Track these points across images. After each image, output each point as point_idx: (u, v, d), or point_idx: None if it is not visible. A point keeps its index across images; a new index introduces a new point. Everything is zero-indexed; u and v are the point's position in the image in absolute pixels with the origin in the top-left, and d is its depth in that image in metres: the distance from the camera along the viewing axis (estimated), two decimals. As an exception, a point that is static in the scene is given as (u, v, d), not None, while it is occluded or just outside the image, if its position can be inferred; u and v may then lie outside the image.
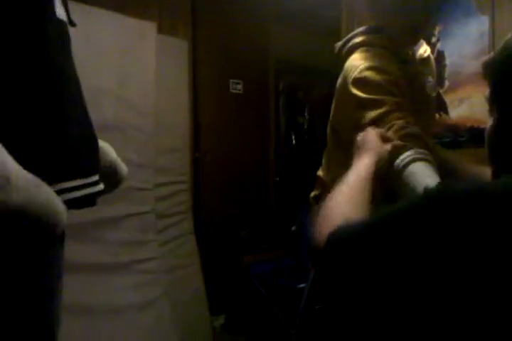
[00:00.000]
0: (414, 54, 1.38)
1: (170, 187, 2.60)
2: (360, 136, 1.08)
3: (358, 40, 1.32)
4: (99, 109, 2.06)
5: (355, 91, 1.18)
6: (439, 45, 2.12)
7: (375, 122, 1.13)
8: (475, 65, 1.94)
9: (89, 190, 0.84)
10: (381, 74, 1.17)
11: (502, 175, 0.63)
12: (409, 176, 1.00)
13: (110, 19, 2.16)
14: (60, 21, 0.84)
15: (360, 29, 1.35)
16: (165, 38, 2.59)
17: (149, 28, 2.39)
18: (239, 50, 3.24)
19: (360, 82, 1.18)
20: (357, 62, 1.23)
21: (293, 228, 3.14)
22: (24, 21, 0.76)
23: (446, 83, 2.09)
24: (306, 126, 4.11)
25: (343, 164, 1.01)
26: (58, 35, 0.83)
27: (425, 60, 1.42)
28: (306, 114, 4.10)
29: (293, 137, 4.03)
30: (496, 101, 0.71)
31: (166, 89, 2.54)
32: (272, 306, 2.70)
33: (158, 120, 2.40)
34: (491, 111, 0.72)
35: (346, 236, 0.66)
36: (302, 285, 1.87)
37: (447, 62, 2.09)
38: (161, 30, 2.54)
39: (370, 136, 1.05)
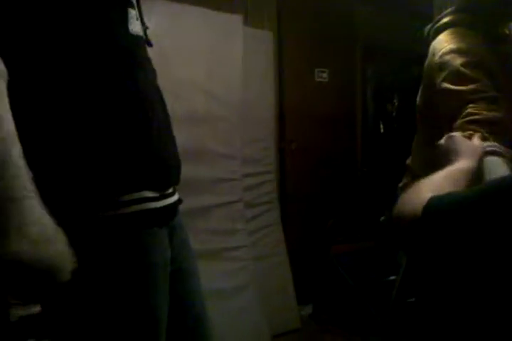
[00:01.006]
0: (511, 33, 1.29)
1: (256, 178, 2.64)
2: (445, 142, 1.00)
3: (444, 20, 1.26)
4: (188, 102, 2.15)
5: (435, 77, 1.17)
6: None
7: (452, 116, 1.09)
8: None
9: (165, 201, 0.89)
10: (462, 57, 1.12)
11: None
12: None
13: (197, 14, 2.22)
14: (135, 37, 0.87)
15: (449, 9, 1.29)
16: (251, 30, 2.62)
17: (235, 21, 2.43)
18: (324, 38, 3.19)
19: (440, 68, 1.16)
20: (440, 45, 1.19)
21: (382, 218, 3.06)
22: (96, 37, 0.80)
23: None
24: (395, 114, 3.95)
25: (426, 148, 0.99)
26: (132, 49, 0.86)
27: None
28: (395, 101, 3.95)
29: (381, 126, 3.89)
30: None
31: (252, 80, 2.57)
32: (360, 297, 2.66)
33: (245, 111, 2.45)
34: None
35: (450, 207, 0.62)
36: (392, 278, 1.82)
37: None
38: (246, 22, 2.57)
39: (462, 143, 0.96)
